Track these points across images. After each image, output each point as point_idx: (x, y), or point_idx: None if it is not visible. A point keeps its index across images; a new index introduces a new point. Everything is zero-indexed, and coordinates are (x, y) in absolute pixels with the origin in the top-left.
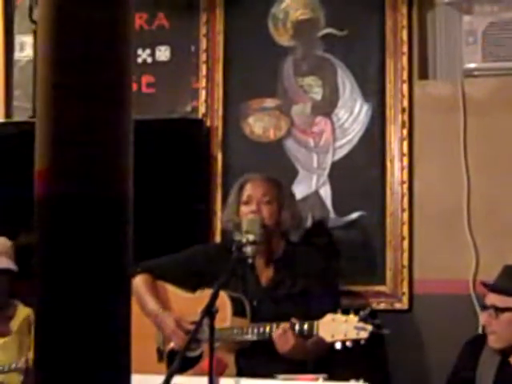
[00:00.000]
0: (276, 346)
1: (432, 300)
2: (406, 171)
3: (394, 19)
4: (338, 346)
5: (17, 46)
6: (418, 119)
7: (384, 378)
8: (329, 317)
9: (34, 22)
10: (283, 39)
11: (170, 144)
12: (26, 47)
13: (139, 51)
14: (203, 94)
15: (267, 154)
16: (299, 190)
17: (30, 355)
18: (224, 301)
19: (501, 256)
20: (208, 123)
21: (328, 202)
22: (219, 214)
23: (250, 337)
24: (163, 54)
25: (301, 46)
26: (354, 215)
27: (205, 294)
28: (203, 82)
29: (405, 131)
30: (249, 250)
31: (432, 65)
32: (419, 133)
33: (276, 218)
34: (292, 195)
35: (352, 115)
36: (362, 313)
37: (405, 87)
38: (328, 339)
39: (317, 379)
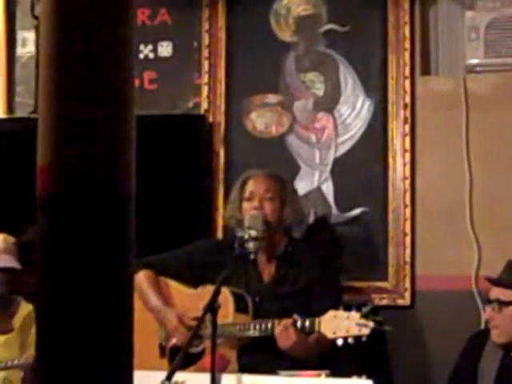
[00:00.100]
0: (278, 342)
1: (434, 296)
2: (408, 167)
3: (396, 15)
4: (340, 342)
5: (19, 42)
6: (420, 115)
7: (386, 374)
8: (331, 313)
9: (36, 17)
10: (285, 35)
11: (172, 140)
12: (28, 43)
13: (141, 47)
14: (205, 89)
15: (269, 150)
16: (301, 186)
17: (32, 352)
18: (226, 297)
19: (503, 252)
20: (210, 119)
21: (330, 198)
22: (221, 210)
23: (252, 333)
24: (165, 49)
25: (303, 42)
26: (356, 211)
27: (207, 290)
28: (205, 78)
29: (407, 127)
30: (251, 245)
31: (434, 61)
32: (421, 129)
33: (278, 214)
34: (294, 191)
35: (354, 111)
36: (363, 309)
37: (407, 83)
38: (330, 336)
39: (319, 375)
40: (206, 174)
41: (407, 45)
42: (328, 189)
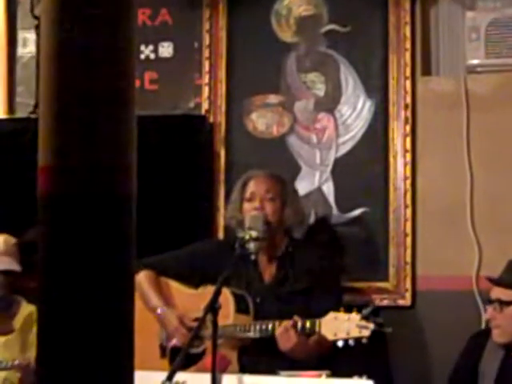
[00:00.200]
0: (278, 344)
1: (435, 296)
2: (408, 167)
3: (397, 15)
4: (340, 343)
5: (20, 42)
6: (420, 115)
7: (386, 375)
8: (331, 315)
9: (36, 17)
10: (286, 35)
11: (173, 140)
12: (28, 43)
13: (142, 47)
14: (206, 90)
15: (270, 151)
16: (302, 187)
17: (32, 352)
18: (227, 298)
19: (504, 252)
20: (211, 119)
21: (331, 199)
22: (222, 210)
23: (252, 334)
24: (166, 50)
25: (304, 42)
26: (357, 212)
27: (208, 291)
28: (206, 79)
29: (408, 127)
30: (252, 246)
31: (435, 61)
32: (422, 129)
33: (279, 214)
34: (295, 192)
35: (355, 111)
36: (364, 311)
37: (408, 83)
38: (330, 337)
39: (320, 376)
40: (206, 175)
41: (408, 45)
42: (329, 189)
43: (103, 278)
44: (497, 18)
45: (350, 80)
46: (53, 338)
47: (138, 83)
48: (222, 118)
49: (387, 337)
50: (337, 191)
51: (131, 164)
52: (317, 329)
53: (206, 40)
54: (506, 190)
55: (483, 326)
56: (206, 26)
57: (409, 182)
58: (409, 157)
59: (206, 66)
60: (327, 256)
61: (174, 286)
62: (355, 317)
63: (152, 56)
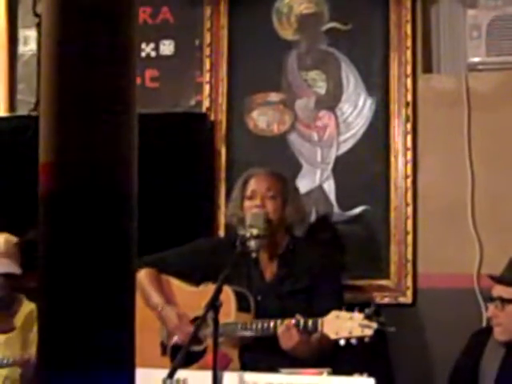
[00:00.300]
0: (280, 342)
1: (436, 294)
2: (409, 165)
3: (398, 13)
4: (342, 342)
5: (21, 40)
6: (421, 113)
7: (387, 373)
8: (333, 314)
9: (37, 15)
10: (287, 33)
11: (174, 138)
12: (29, 41)
13: (143, 45)
14: (207, 88)
15: (271, 149)
16: (303, 185)
17: (33, 350)
18: (228, 295)
19: (505, 250)
20: (212, 117)
21: (332, 197)
22: (223, 208)
23: (253, 332)
24: (167, 48)
25: (305, 40)
26: (358, 209)
27: (209, 288)
28: (207, 76)
29: (409, 125)
30: (253, 244)
31: (436, 59)
32: (423, 127)
33: (280, 212)
34: (296, 190)
35: (356, 109)
36: (367, 310)
37: (409, 81)
38: (332, 336)
39: (321, 373)
40: (207, 173)
41: (409, 43)
42: (330, 187)
43: (104, 276)
44: (498, 15)
45: (350, 78)
46: (53, 336)
47: (138, 81)
48: (222, 116)
49: (388, 335)
50: (338, 189)
51: (132, 162)
52: (319, 327)
53: (207, 38)
54: (507, 188)
55: (484, 324)
56: (207, 24)
57: (410, 180)
58: (410, 155)
59: (207, 63)
60: (328, 254)
61: (175, 283)
62: (358, 316)
63: (153, 54)
